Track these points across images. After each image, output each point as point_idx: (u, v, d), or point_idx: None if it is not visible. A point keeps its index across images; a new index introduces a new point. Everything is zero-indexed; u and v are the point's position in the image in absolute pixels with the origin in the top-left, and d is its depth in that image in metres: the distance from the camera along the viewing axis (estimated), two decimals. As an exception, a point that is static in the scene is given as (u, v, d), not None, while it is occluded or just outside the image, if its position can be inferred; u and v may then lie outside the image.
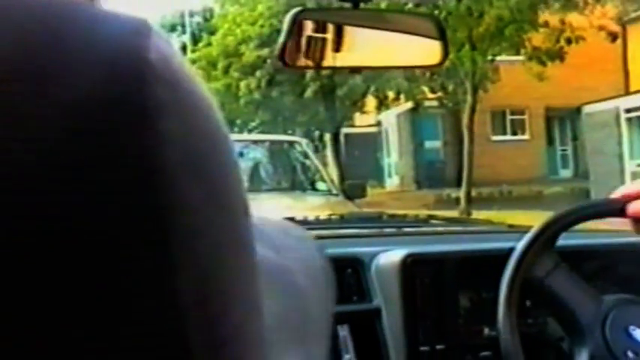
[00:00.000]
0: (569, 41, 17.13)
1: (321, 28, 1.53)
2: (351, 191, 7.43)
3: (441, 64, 1.61)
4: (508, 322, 1.54)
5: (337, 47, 1.53)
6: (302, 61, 1.58)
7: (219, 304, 0.37)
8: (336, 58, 1.55)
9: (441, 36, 1.58)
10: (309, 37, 1.53)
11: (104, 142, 0.34)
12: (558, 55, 17.40)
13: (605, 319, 1.58)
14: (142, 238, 0.34)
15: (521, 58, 18.52)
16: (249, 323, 0.40)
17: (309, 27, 1.53)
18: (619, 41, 20.87)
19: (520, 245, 1.58)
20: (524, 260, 1.57)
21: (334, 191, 7.58)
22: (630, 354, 1.57)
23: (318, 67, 1.62)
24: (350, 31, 1.54)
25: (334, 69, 1.90)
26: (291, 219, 2.41)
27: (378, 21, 1.59)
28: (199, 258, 0.36)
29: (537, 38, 17.57)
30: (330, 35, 1.53)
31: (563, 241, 1.62)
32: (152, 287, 0.34)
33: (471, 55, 16.19)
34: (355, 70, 1.73)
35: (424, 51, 1.60)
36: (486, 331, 1.77)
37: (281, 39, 1.49)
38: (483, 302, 1.76)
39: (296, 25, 1.49)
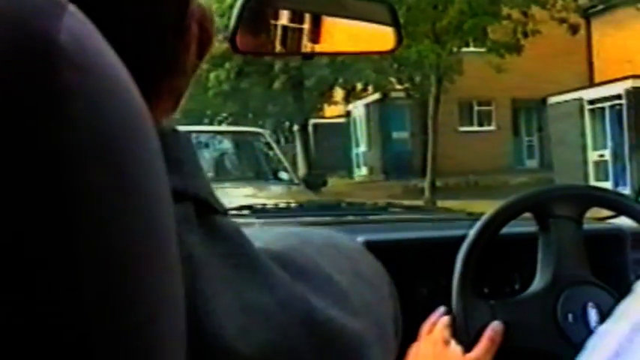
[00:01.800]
0: (525, 34, 17.46)
1: (273, 15, 1.50)
2: (312, 181, 7.72)
3: (393, 50, 1.59)
4: (462, 307, 1.59)
5: (290, 34, 1.50)
6: (253, 47, 1.56)
7: (126, 295, 0.36)
8: (289, 45, 1.52)
9: (394, 22, 1.55)
10: (263, 23, 1.49)
11: (6, 124, 0.33)
12: (516, 48, 17.73)
13: (558, 300, 1.66)
14: (44, 223, 0.33)
15: (483, 50, 18.83)
16: (161, 315, 0.39)
17: (262, 12, 1.49)
18: (583, 33, 21.20)
19: (472, 232, 1.63)
20: (475, 247, 1.62)
21: (295, 181, 7.83)
22: (570, 317, 1.65)
23: (270, 53, 1.60)
24: (303, 18, 1.51)
25: (286, 55, 1.92)
26: (250, 207, 2.67)
27: (331, 7, 1.56)
28: (105, 246, 0.35)
29: (496, 31, 17.89)
30: (284, 21, 1.50)
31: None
32: (54, 275, 0.33)
33: (432, 48, 16.44)
34: (307, 56, 1.69)
35: (378, 37, 1.58)
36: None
37: (232, 23, 1.45)
38: (441, 289, 1.75)
39: (247, 10, 1.45)
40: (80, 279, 0.34)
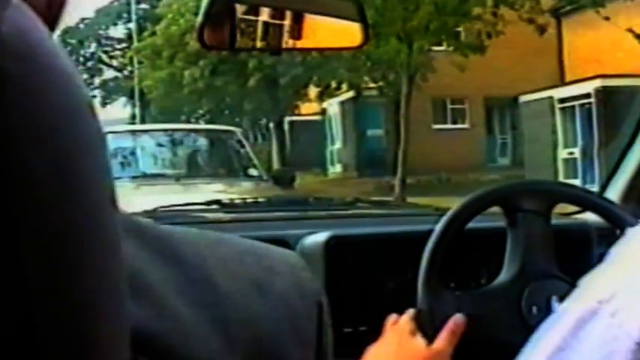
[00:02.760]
0: (489, 35, 17.72)
1: (239, 10, 1.52)
2: (280, 178, 7.95)
3: (361, 46, 1.60)
4: (427, 300, 1.59)
5: (257, 29, 1.52)
6: (221, 43, 1.59)
7: (67, 274, 0.37)
8: (256, 39, 1.54)
9: (362, 18, 1.56)
10: (229, 18, 1.51)
11: None
12: (479, 48, 18.01)
13: (522, 295, 1.68)
14: None
15: (450, 49, 19.10)
16: (103, 294, 0.39)
17: (229, 7, 1.52)
18: (554, 32, 21.45)
19: (439, 225, 1.63)
20: (441, 240, 1.62)
21: (264, 177, 8.04)
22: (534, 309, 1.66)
23: (237, 48, 1.61)
24: (273, 13, 1.53)
25: (255, 50, 1.93)
26: (218, 202, 2.68)
27: (298, 2, 1.57)
28: (44, 229, 0.36)
29: (468, 31, 18.19)
30: (251, 16, 1.52)
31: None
32: None
33: (398, 48, 16.66)
34: (275, 51, 1.72)
35: (345, 33, 1.59)
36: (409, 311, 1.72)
37: (199, 19, 1.49)
38: (407, 283, 1.72)
39: (215, 6, 1.49)
40: (21, 260, 0.35)
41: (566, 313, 0.78)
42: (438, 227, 1.63)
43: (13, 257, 0.34)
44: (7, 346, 0.34)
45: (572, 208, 2.10)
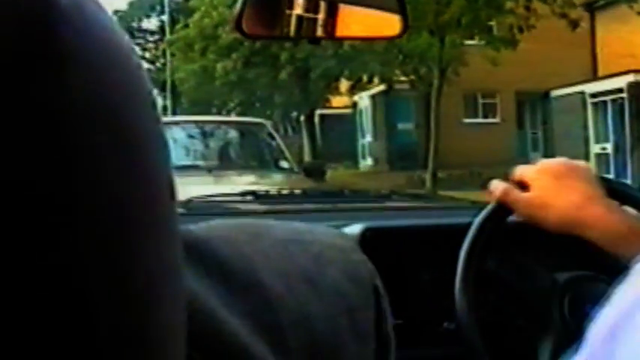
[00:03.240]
0: (520, 29, 17.66)
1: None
2: (311, 170, 8.01)
3: (400, 35, 1.57)
4: (465, 298, 1.49)
5: (297, 18, 1.50)
6: (260, 31, 1.56)
7: (126, 257, 0.36)
8: (295, 29, 1.51)
9: (401, 8, 1.54)
10: (269, 7, 1.51)
11: (5, 86, 0.32)
12: (511, 42, 17.95)
13: (562, 303, 1.55)
14: (44, 186, 0.33)
15: (482, 43, 19.07)
16: (160, 281, 0.38)
17: None
18: (587, 27, 21.33)
19: (477, 220, 1.55)
20: (481, 235, 1.53)
21: (295, 170, 8.11)
22: None
23: (277, 37, 1.64)
24: (312, 3, 1.51)
25: (293, 39, 1.87)
26: (253, 193, 2.65)
27: None
28: (104, 208, 0.35)
29: (501, 25, 18.14)
30: (293, 7, 1.50)
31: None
32: (54, 236, 0.33)
33: (429, 42, 16.66)
34: (314, 41, 1.68)
35: (384, 23, 1.57)
36: (446, 306, 1.62)
37: (237, 7, 1.46)
38: (443, 277, 1.63)
39: None
40: (80, 240, 0.34)
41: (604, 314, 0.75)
42: (478, 220, 1.55)
43: (72, 238, 0.34)
44: (65, 331, 0.34)
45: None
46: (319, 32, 1.53)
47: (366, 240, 1.73)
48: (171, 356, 0.40)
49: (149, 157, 0.38)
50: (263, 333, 0.50)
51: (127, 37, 0.39)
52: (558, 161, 1.44)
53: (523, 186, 1.42)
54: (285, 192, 3.51)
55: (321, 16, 1.51)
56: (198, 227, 0.56)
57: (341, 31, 1.54)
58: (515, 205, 1.42)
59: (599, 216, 1.37)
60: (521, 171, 1.44)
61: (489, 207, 1.55)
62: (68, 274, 0.34)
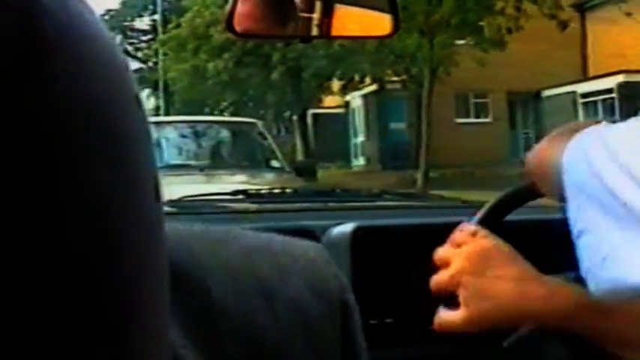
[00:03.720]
0: (509, 31, 17.76)
1: None
2: (302, 169, 8.07)
3: (391, 35, 1.57)
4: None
5: (288, 17, 1.50)
6: (252, 29, 1.55)
7: (107, 255, 0.35)
8: (286, 27, 1.53)
9: (392, 8, 1.54)
10: (260, 5, 1.50)
11: None
12: (499, 44, 18.05)
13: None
14: (29, 178, 0.33)
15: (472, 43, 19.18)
16: (144, 276, 0.38)
17: None
18: (578, 27, 21.42)
19: (474, 220, 1.48)
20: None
21: (286, 169, 8.17)
22: None
23: (268, 36, 1.63)
24: (307, 3, 1.50)
25: (285, 38, 1.71)
26: (245, 192, 2.66)
27: None
28: (88, 205, 0.34)
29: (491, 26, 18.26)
30: (284, 5, 1.50)
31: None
32: (36, 231, 0.33)
33: (419, 42, 16.74)
34: (305, 40, 1.68)
35: (376, 23, 1.57)
36: (438, 304, 1.56)
37: (229, 5, 1.45)
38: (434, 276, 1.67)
39: None
40: (62, 234, 0.34)
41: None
42: (475, 220, 1.50)
43: (54, 230, 0.33)
44: (45, 326, 0.33)
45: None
46: (314, 31, 1.52)
47: (358, 238, 1.74)
48: (154, 349, 0.39)
49: (134, 154, 0.38)
50: (198, 338, 0.49)
51: (111, 34, 0.39)
52: (469, 253, 1.28)
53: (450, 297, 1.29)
54: (276, 191, 3.47)
55: (316, 15, 1.50)
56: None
57: (336, 30, 1.54)
58: (453, 328, 1.29)
59: (542, 299, 1.23)
60: (437, 283, 1.31)
61: (487, 205, 1.54)
62: (49, 267, 0.33)
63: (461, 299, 1.26)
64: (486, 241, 1.30)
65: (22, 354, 0.33)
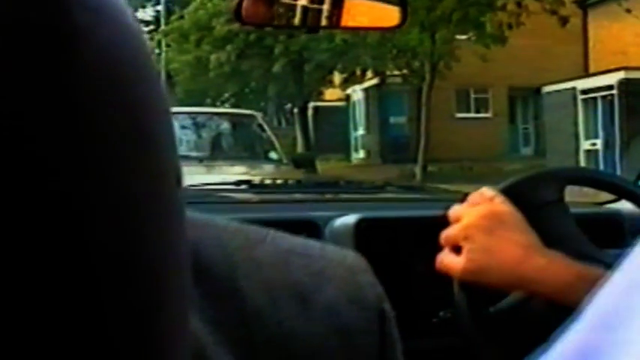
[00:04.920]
0: (510, 26, 17.79)
1: None
2: (300, 162, 8.14)
3: (399, 26, 1.58)
4: (463, 287, 1.43)
5: (294, 7, 1.51)
6: (260, 18, 1.57)
7: (135, 237, 0.35)
8: (293, 17, 1.52)
9: (401, 0, 1.55)
10: None
11: (17, 64, 0.32)
12: (500, 39, 18.10)
13: None
14: (56, 164, 0.32)
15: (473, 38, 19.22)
16: (167, 262, 0.38)
17: None
18: (580, 24, 21.44)
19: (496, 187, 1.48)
20: None
21: (284, 161, 8.24)
22: None
23: (274, 25, 1.62)
24: None
25: (291, 28, 1.81)
26: (248, 182, 2.62)
27: None
28: (112, 189, 0.34)
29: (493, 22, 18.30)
30: None
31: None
32: (64, 216, 0.33)
33: (420, 37, 16.77)
34: (312, 30, 1.67)
35: (384, 15, 1.59)
36: (441, 295, 1.62)
37: None
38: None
39: None
40: (87, 218, 0.33)
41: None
42: (497, 187, 1.47)
43: (79, 215, 0.33)
44: (71, 313, 0.33)
45: (605, 197, 1.99)
46: (324, 22, 1.54)
47: (361, 230, 1.74)
48: (177, 337, 0.39)
49: (159, 140, 0.38)
50: (231, 345, 0.48)
51: (136, 18, 0.39)
52: (484, 212, 1.33)
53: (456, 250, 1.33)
54: (279, 182, 3.45)
55: (325, 6, 1.52)
56: (197, 224, 0.53)
57: (345, 21, 1.55)
58: (452, 272, 1.34)
59: (542, 268, 1.27)
60: (446, 233, 1.36)
61: (510, 180, 1.51)
62: (75, 247, 0.33)
63: (464, 250, 1.31)
64: (502, 205, 1.34)
65: (49, 339, 0.33)
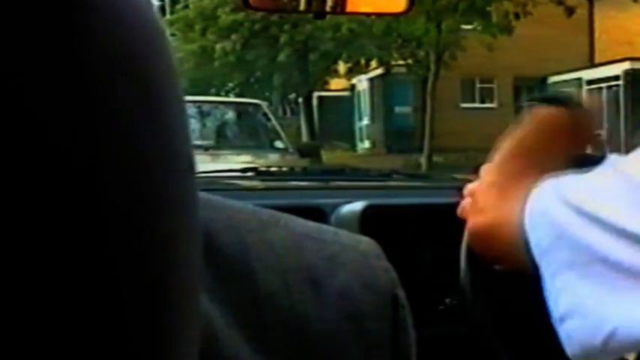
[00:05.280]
0: (517, 16, 17.76)
1: None
2: (306, 151, 8.14)
3: (405, 12, 1.58)
4: (469, 273, 1.45)
5: None
6: (265, 3, 1.57)
7: (147, 208, 0.35)
8: (300, 2, 1.52)
9: None
10: None
11: (25, 34, 0.31)
12: (506, 29, 18.06)
13: None
14: (68, 134, 0.32)
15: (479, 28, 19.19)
16: (180, 235, 0.37)
17: None
18: (586, 13, 21.40)
19: None
20: None
21: (290, 150, 8.24)
22: None
23: (280, 9, 1.66)
24: None
25: (298, 12, 1.78)
26: (254, 169, 2.64)
27: None
28: (127, 160, 0.34)
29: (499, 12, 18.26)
30: None
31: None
32: (75, 186, 0.32)
33: (426, 27, 16.76)
34: (319, 15, 1.68)
35: (389, 0, 1.59)
36: (447, 283, 1.63)
37: None
38: (444, 255, 1.65)
39: None
40: (103, 188, 0.33)
41: None
42: None
43: (91, 182, 0.33)
44: (83, 288, 0.33)
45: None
46: (324, 6, 1.53)
47: (367, 217, 1.74)
48: (187, 311, 0.38)
49: (172, 116, 0.37)
50: (243, 328, 0.48)
51: None
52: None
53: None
54: (285, 169, 3.45)
55: None
56: (211, 206, 0.52)
57: (351, 6, 1.54)
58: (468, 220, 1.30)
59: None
60: (471, 186, 1.31)
61: None
62: (83, 228, 0.33)
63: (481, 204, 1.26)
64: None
65: (61, 310, 0.33)
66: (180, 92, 0.39)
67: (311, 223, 0.58)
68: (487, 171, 1.28)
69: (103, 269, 0.33)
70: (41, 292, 0.32)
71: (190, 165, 0.39)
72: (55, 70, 0.32)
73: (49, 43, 0.32)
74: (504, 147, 1.30)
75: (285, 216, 0.57)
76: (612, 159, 0.96)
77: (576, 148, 1.30)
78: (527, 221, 0.97)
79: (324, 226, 0.59)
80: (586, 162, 1.35)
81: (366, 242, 0.59)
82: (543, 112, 1.29)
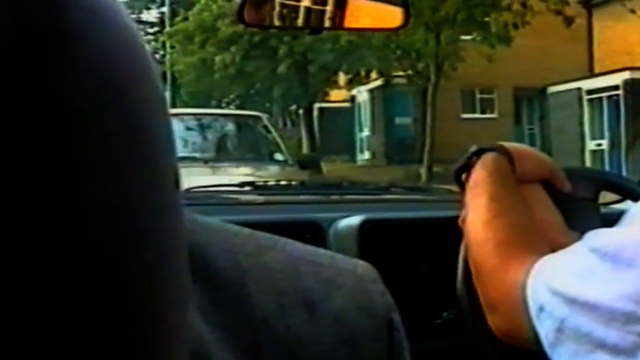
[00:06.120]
0: (515, 26, 17.79)
1: None
2: (306, 163, 8.16)
3: (403, 26, 1.59)
4: (466, 288, 1.43)
5: (296, 8, 1.52)
6: (261, 20, 1.57)
7: (131, 238, 0.35)
8: (296, 18, 1.53)
9: (403, 1, 1.56)
10: None
11: (10, 64, 0.31)
12: (505, 39, 18.10)
13: None
14: (50, 167, 0.32)
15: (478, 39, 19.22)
16: (165, 261, 0.37)
17: None
18: (585, 24, 21.44)
19: None
20: None
21: (290, 162, 8.25)
22: None
23: (276, 26, 1.58)
24: None
25: (294, 29, 1.80)
26: (251, 184, 2.66)
27: None
28: (110, 192, 0.34)
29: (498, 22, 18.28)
30: None
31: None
32: (59, 219, 0.32)
33: (426, 38, 16.79)
34: (315, 31, 1.69)
35: (386, 15, 1.59)
36: (445, 297, 1.62)
37: None
38: (442, 269, 1.63)
39: None
40: (84, 222, 0.33)
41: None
42: None
43: (77, 219, 0.33)
44: (69, 312, 0.33)
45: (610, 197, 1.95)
46: (327, 23, 1.55)
47: (365, 231, 1.74)
48: (174, 337, 0.39)
49: (156, 141, 0.37)
50: (238, 351, 0.47)
51: (132, 18, 0.39)
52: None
53: None
54: (283, 183, 3.45)
55: (329, 7, 1.52)
56: (208, 229, 0.53)
57: (349, 22, 1.56)
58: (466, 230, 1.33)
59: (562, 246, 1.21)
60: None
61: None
62: (71, 247, 0.33)
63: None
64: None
65: (45, 336, 0.33)
66: (166, 114, 0.39)
67: (308, 247, 0.58)
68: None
69: (87, 301, 0.33)
70: (30, 325, 0.32)
71: (176, 183, 0.39)
72: (39, 104, 0.32)
73: (36, 77, 0.32)
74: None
75: (282, 239, 0.56)
76: (588, 236, 0.99)
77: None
78: (532, 313, 1.02)
79: (321, 250, 0.59)
80: (567, 200, 1.49)
81: (362, 266, 0.59)
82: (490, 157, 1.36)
